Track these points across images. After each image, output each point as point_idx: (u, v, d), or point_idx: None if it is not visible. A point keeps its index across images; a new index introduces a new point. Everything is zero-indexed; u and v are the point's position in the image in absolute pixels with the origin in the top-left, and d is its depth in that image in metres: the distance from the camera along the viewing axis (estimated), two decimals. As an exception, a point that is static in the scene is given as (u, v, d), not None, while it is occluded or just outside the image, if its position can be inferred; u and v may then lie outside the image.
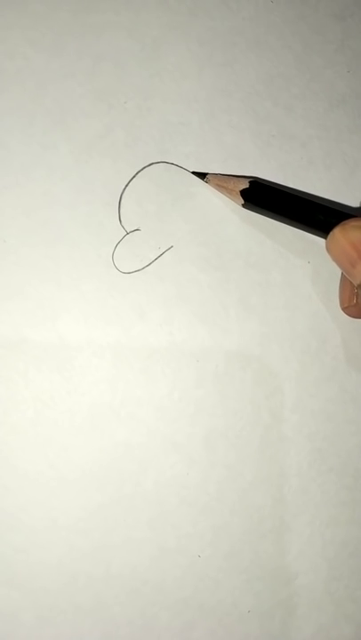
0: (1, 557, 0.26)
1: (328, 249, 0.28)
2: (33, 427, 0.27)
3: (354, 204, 0.32)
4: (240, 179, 0.30)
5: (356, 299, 0.29)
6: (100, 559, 0.28)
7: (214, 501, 0.29)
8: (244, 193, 0.29)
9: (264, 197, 0.29)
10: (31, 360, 0.27)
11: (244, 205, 0.29)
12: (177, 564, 0.29)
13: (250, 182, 0.29)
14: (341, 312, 0.30)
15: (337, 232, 0.27)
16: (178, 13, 0.31)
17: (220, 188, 0.30)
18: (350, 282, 0.28)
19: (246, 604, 0.30)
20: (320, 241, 0.29)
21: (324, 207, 0.28)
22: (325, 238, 0.28)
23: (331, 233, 0.27)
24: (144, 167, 0.30)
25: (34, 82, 0.29)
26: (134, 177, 0.29)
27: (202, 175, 0.30)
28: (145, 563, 0.28)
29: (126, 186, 0.29)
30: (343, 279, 0.30)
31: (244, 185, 0.29)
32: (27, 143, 0.28)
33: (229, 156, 0.31)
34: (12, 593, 0.26)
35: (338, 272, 0.30)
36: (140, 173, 0.29)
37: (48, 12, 0.29)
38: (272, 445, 0.30)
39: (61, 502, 0.27)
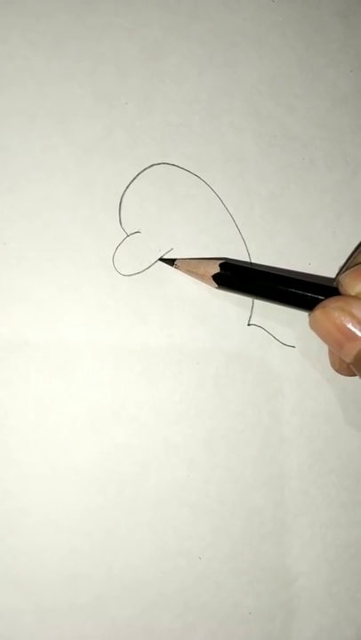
0: (2, 559, 0.27)
1: (312, 327, 0.27)
2: (34, 429, 0.27)
3: (355, 205, 0.32)
4: (210, 262, 0.28)
5: (347, 364, 0.28)
6: (100, 561, 0.28)
7: (215, 503, 0.29)
8: (216, 277, 0.28)
9: (238, 279, 0.28)
10: (32, 363, 0.27)
11: (218, 288, 0.28)
12: (178, 566, 0.29)
13: (220, 265, 0.28)
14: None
15: (319, 314, 0.26)
16: (178, 14, 0.30)
17: (190, 273, 0.29)
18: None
19: (247, 606, 0.30)
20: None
21: (302, 282, 0.27)
22: (307, 311, 0.27)
23: (312, 314, 0.26)
24: (145, 169, 0.29)
25: (34, 83, 0.28)
26: (135, 179, 0.29)
27: (170, 261, 0.29)
28: (146, 564, 0.28)
29: (127, 187, 0.29)
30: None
31: (215, 269, 0.28)
32: (27, 145, 0.28)
33: (231, 156, 0.30)
34: (13, 595, 0.27)
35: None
36: (140, 175, 0.29)
37: (48, 14, 0.29)
38: (273, 447, 0.30)
39: (62, 504, 0.27)
